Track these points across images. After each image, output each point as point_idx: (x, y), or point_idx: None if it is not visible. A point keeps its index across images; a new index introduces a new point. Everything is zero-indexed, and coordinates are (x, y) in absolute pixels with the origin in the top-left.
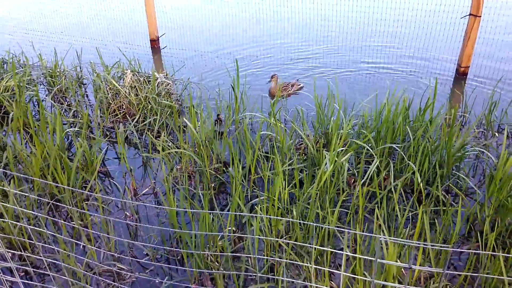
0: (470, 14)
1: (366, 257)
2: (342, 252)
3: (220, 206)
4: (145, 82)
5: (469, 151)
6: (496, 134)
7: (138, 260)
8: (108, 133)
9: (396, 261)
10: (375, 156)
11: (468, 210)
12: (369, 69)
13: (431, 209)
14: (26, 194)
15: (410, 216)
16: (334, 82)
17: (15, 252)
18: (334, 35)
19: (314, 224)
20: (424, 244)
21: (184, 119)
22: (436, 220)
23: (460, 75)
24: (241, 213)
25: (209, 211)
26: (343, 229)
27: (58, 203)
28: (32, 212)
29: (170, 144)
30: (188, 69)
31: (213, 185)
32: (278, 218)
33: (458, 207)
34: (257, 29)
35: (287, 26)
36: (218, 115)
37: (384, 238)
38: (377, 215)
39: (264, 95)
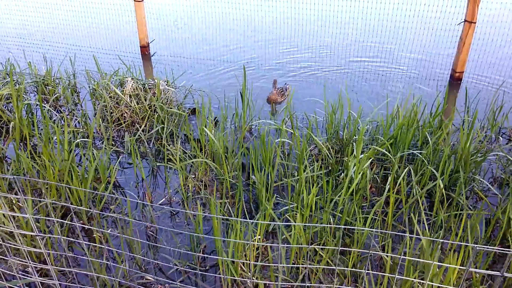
0: (465, 21)
1: (458, 267)
2: (430, 261)
3: (241, 214)
4: (147, 90)
5: (487, 156)
6: (500, 137)
7: (167, 265)
8: (113, 143)
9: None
10: (395, 162)
11: (497, 213)
12: (363, 71)
13: (454, 213)
14: (56, 202)
15: (432, 221)
16: (325, 83)
17: (37, 264)
18: (328, 38)
19: (376, 230)
20: None
21: (205, 128)
22: (452, 223)
23: (455, 80)
24: (288, 223)
25: (254, 220)
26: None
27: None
28: (61, 220)
29: (182, 153)
30: (179, 75)
31: (231, 193)
32: (323, 225)
33: (481, 210)
34: (246, 32)
35: (274, 26)
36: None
37: (478, 246)
38: (404, 221)
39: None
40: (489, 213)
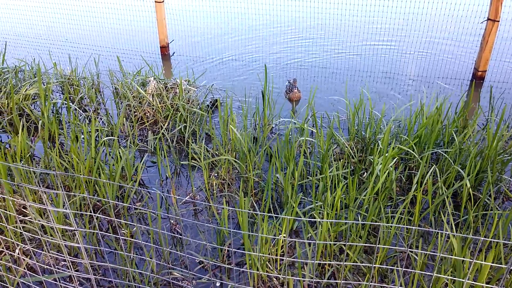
0: (488, 19)
1: (501, 266)
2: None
3: (264, 212)
4: (169, 89)
5: None
6: None
7: (194, 257)
8: (137, 142)
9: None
10: (421, 161)
11: None
12: (384, 68)
13: (482, 214)
14: (90, 196)
15: (458, 221)
16: (346, 81)
17: (66, 258)
18: (348, 38)
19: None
20: None
21: (230, 126)
22: (480, 224)
23: (477, 79)
24: (314, 219)
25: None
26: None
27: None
28: (98, 215)
29: (205, 151)
30: (199, 74)
31: (254, 191)
32: (350, 221)
33: None
34: (262, 31)
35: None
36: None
37: None
38: (430, 221)
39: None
40: None
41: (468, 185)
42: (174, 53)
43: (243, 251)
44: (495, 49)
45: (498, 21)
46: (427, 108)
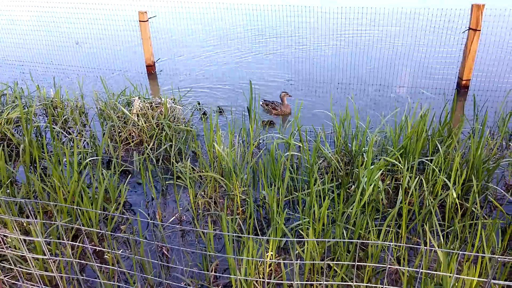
0: (469, 29)
1: (478, 279)
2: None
3: (251, 229)
4: (155, 108)
5: (499, 162)
6: (511, 144)
7: (179, 285)
8: (122, 163)
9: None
10: (405, 172)
11: None
12: (369, 80)
13: (469, 223)
14: (66, 224)
15: (446, 232)
16: (331, 94)
17: None
18: (337, 44)
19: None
20: None
21: (215, 144)
22: (468, 233)
23: (462, 88)
24: (301, 239)
25: (278, 238)
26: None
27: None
28: (72, 243)
29: (191, 170)
30: (185, 91)
31: (241, 209)
32: (336, 239)
33: (496, 219)
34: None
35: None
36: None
37: (499, 257)
38: (418, 232)
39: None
40: (505, 222)
41: (454, 195)
42: (161, 71)
43: (229, 275)
44: (479, 58)
45: (479, 30)
46: (411, 119)
